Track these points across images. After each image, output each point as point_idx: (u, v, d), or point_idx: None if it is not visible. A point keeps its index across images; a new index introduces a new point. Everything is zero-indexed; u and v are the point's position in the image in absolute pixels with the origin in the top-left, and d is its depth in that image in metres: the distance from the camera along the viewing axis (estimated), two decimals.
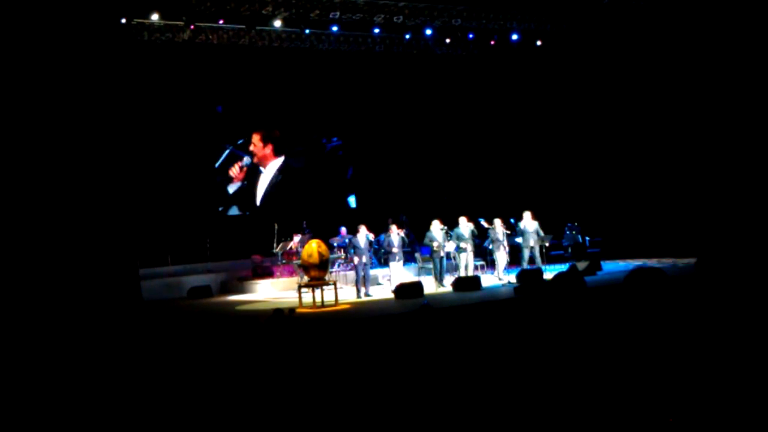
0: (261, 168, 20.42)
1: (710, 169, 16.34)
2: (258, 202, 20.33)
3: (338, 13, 16.80)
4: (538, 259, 15.42)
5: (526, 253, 15.42)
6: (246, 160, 19.86)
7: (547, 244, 15.74)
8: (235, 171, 19.83)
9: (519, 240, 15.55)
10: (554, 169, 20.44)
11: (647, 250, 17.32)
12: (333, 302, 13.15)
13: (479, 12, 17.71)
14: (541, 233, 15.42)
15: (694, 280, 11.29)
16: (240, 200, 20.11)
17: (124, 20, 15.19)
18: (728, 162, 15.88)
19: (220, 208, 19.61)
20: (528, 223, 15.44)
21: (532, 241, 15.36)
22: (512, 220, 16.17)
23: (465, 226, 15.07)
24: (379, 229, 16.85)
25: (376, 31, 18.03)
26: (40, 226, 11.18)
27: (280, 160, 20.64)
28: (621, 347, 6.64)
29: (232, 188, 19.87)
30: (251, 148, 20.26)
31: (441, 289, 14.71)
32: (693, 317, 7.78)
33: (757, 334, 6.48)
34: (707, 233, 15.67)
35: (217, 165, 19.73)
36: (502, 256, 15.40)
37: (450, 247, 15.08)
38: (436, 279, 15.08)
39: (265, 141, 20.49)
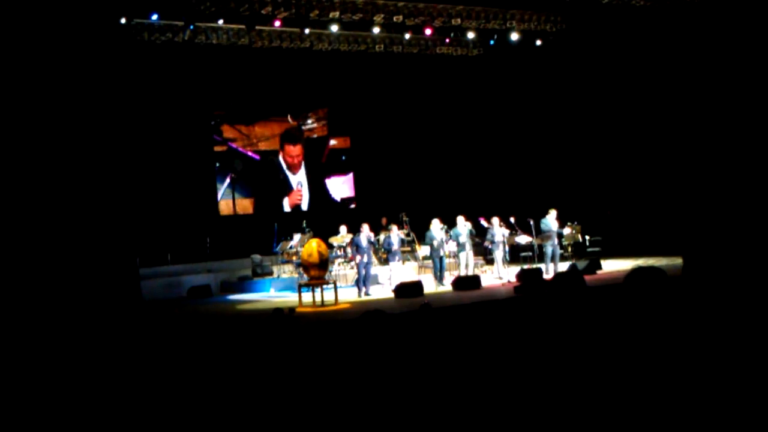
0: (289, 172, 20.95)
1: (709, 168, 16.31)
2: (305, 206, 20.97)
3: (338, 13, 16.79)
4: (557, 258, 15.49)
5: (550, 251, 15.42)
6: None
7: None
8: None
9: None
10: (554, 168, 20.43)
11: (647, 249, 17.31)
12: (333, 302, 13.17)
13: (479, 12, 17.71)
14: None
15: (683, 280, 11.25)
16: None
17: (124, 20, 15.20)
18: (728, 161, 15.85)
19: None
20: (552, 221, 15.49)
21: (556, 240, 15.46)
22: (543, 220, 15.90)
23: (462, 226, 15.07)
24: (378, 228, 16.85)
25: (376, 30, 18.02)
26: (39, 225, 11.17)
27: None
28: (621, 347, 6.64)
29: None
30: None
31: (441, 289, 14.72)
32: (691, 317, 7.79)
33: (751, 334, 6.49)
34: (696, 232, 15.63)
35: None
36: (500, 255, 15.40)
37: (450, 246, 15.09)
38: (435, 278, 15.09)
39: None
